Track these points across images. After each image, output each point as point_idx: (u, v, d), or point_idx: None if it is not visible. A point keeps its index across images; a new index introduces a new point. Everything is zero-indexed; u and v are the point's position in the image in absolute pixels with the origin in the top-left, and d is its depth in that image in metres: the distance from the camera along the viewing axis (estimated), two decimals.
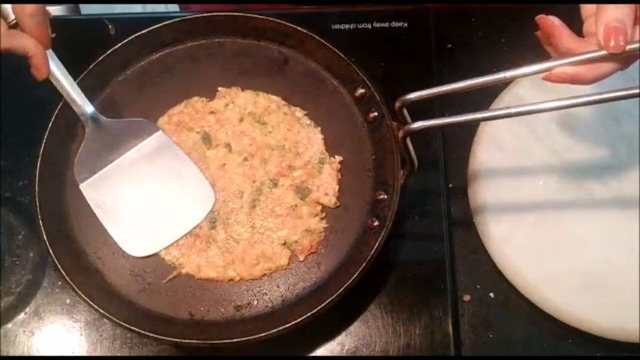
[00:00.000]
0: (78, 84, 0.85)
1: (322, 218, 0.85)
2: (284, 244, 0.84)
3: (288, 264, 0.83)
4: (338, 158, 0.88)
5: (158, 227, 0.85)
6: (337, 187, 0.86)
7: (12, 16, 0.72)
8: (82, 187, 0.86)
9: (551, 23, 0.66)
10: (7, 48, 0.72)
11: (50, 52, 0.78)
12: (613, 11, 0.62)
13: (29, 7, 0.71)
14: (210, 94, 0.91)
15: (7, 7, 0.72)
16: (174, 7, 1.34)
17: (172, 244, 0.84)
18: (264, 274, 0.83)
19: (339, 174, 0.87)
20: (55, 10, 1.05)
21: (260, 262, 0.83)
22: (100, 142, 0.86)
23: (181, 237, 0.85)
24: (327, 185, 0.86)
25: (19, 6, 0.71)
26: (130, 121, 0.88)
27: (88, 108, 0.84)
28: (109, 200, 0.86)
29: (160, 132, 0.89)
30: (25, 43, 0.73)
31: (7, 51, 0.72)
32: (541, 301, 0.84)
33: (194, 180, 0.87)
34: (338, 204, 0.86)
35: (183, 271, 0.83)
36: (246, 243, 0.84)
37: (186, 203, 0.86)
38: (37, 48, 0.75)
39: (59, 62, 0.81)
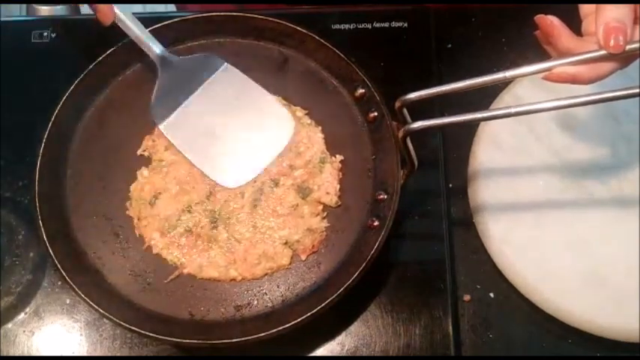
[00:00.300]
0: (78, 83, 0.85)
1: (323, 217, 0.85)
2: (285, 243, 0.84)
3: (290, 263, 0.83)
4: (339, 157, 0.88)
5: (245, 156, 0.87)
6: (338, 187, 0.86)
7: None
8: (162, 127, 0.87)
9: (550, 23, 0.66)
10: None
11: None
12: (612, 11, 0.62)
13: None
14: None
15: None
16: (174, 7, 1.34)
17: (174, 244, 0.84)
18: (266, 274, 0.83)
19: (340, 173, 0.87)
20: (55, 10, 1.05)
21: (262, 261, 0.83)
22: (172, 82, 0.87)
23: (270, 162, 0.86)
24: (328, 184, 0.86)
25: None
26: (197, 57, 0.90)
27: (157, 48, 0.86)
28: (191, 137, 0.87)
29: (226, 64, 0.90)
30: None
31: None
32: (541, 301, 0.84)
33: (270, 107, 0.89)
34: (339, 203, 0.86)
35: (185, 271, 0.83)
36: (247, 243, 0.84)
37: (267, 130, 0.88)
38: None
39: (124, 6, 0.83)
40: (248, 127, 0.88)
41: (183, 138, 0.87)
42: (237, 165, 0.86)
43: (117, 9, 0.82)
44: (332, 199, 0.85)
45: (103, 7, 0.78)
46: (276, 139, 0.87)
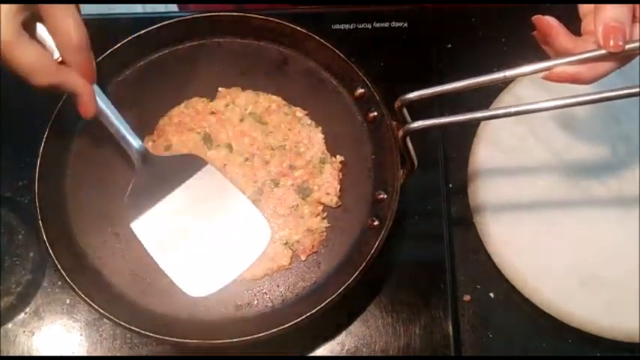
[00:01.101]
0: None
1: (323, 218, 0.85)
2: (285, 243, 0.84)
3: (289, 264, 0.83)
4: (339, 158, 0.87)
5: (215, 265, 0.83)
6: (339, 187, 0.86)
7: (57, 53, 0.71)
8: (134, 226, 0.84)
9: (548, 23, 0.67)
10: (57, 84, 0.70)
11: (95, 88, 0.76)
12: (611, 11, 0.62)
13: (74, 41, 0.69)
14: (210, 95, 0.91)
15: (51, 44, 0.70)
16: (174, 7, 1.34)
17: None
18: (266, 274, 0.83)
19: (340, 173, 0.87)
20: None
21: (262, 262, 0.83)
22: (149, 179, 0.85)
23: (238, 276, 0.83)
24: (328, 185, 0.86)
25: (64, 41, 0.69)
26: (178, 156, 0.87)
27: (137, 143, 0.83)
28: (162, 238, 0.84)
29: (208, 165, 0.87)
30: (74, 80, 0.72)
31: (55, 88, 0.70)
32: (541, 301, 0.84)
33: (247, 214, 0.85)
34: (339, 203, 0.86)
35: None
36: None
37: (241, 239, 0.84)
38: (85, 85, 0.73)
39: (105, 97, 0.80)
40: (222, 233, 0.85)
41: (154, 239, 0.84)
42: (206, 273, 0.83)
43: (100, 102, 0.78)
44: (332, 200, 0.85)
45: (87, 101, 0.74)
46: (249, 248, 0.84)
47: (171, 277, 0.82)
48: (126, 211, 0.84)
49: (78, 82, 0.72)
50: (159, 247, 0.83)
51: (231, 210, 0.86)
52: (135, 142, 0.83)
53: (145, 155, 0.84)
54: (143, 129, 0.90)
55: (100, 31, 0.83)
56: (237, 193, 0.86)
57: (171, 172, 0.86)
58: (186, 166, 0.87)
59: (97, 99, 0.77)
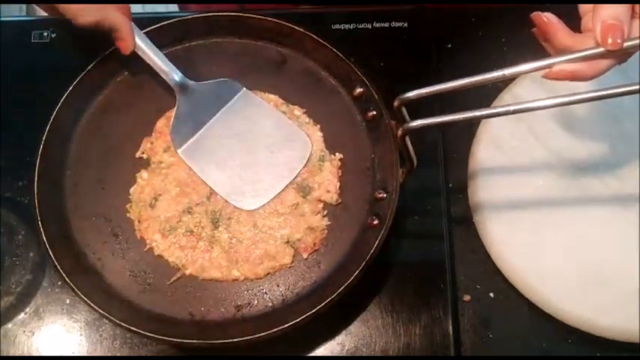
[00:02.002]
0: (77, 83, 0.85)
1: (324, 216, 0.85)
2: (287, 242, 0.84)
3: (292, 262, 0.83)
4: (338, 155, 0.88)
5: (263, 180, 0.87)
6: (338, 184, 0.86)
7: None
8: (181, 152, 0.88)
9: (547, 20, 0.66)
10: (100, 20, 0.78)
11: (133, 25, 0.83)
12: (609, 9, 0.62)
13: None
14: None
15: None
16: (174, 7, 1.34)
17: (176, 246, 0.84)
18: (268, 273, 0.83)
19: (340, 171, 0.87)
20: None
21: (264, 261, 0.83)
22: (190, 107, 0.88)
23: (287, 185, 0.86)
24: (328, 182, 0.86)
25: None
26: (215, 82, 0.90)
27: (176, 75, 0.87)
28: (210, 162, 0.87)
29: (244, 89, 0.91)
30: (114, 16, 0.79)
31: (99, 24, 0.78)
32: (541, 301, 0.84)
33: (287, 129, 0.89)
34: (339, 201, 0.86)
35: (187, 272, 0.83)
36: (249, 242, 0.84)
37: (284, 153, 0.88)
38: (124, 20, 0.81)
39: (142, 34, 0.85)
40: (265, 150, 0.88)
41: (202, 163, 0.88)
42: (255, 188, 0.86)
43: (137, 38, 0.84)
44: (332, 197, 0.85)
45: (125, 36, 0.82)
46: (292, 161, 0.87)
47: (224, 196, 0.86)
48: (172, 140, 0.88)
49: (117, 17, 0.80)
50: (208, 171, 0.87)
51: (271, 128, 0.89)
52: (174, 73, 0.87)
53: (184, 84, 0.88)
54: (142, 130, 0.90)
55: (100, 32, 0.83)
56: (275, 111, 0.90)
57: (210, 98, 0.90)
58: (224, 90, 0.91)
59: (136, 35, 0.84)
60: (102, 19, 0.79)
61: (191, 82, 0.88)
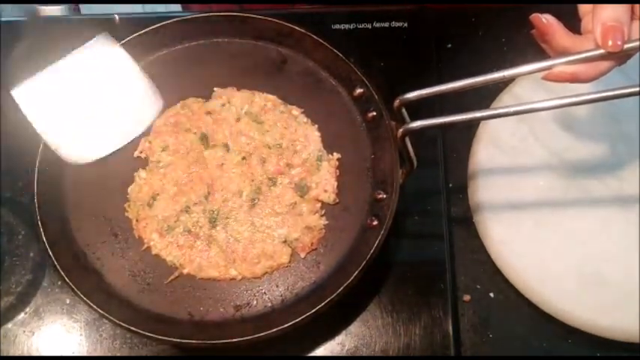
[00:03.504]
0: None
1: (322, 215, 0.85)
2: (284, 241, 0.84)
3: (289, 262, 0.83)
4: (336, 155, 0.88)
5: (101, 133, 0.81)
6: (336, 184, 0.86)
7: None
8: (14, 92, 0.81)
9: (546, 22, 0.66)
10: None
11: None
12: (609, 10, 0.62)
13: None
14: (209, 94, 0.91)
15: None
16: (174, 7, 1.34)
17: (173, 245, 0.84)
18: (266, 273, 0.83)
19: (338, 171, 0.87)
20: (55, 10, 1.05)
21: (261, 260, 0.83)
22: (36, 43, 0.82)
23: (127, 143, 0.82)
24: (325, 182, 0.86)
25: None
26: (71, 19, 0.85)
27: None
28: (45, 106, 0.81)
29: (103, 34, 0.85)
30: None
31: None
32: (541, 301, 0.84)
33: (140, 85, 0.84)
34: (337, 200, 0.86)
35: (185, 271, 0.83)
36: (247, 241, 0.84)
37: (131, 108, 0.83)
38: None
39: None
40: (111, 103, 0.82)
41: (36, 105, 0.80)
42: (89, 141, 0.81)
43: None
44: (330, 197, 0.85)
45: None
46: (138, 118, 0.83)
47: (53, 146, 0.81)
48: (8, 76, 0.81)
49: None
50: (40, 115, 0.81)
51: (121, 80, 0.84)
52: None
53: (35, 16, 0.83)
54: None
55: (100, 31, 0.83)
56: (132, 64, 0.85)
57: (60, 39, 0.83)
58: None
59: None
60: None
61: (42, 17, 0.82)
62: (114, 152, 0.88)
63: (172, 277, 0.83)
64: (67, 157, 0.81)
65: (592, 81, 0.65)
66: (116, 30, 0.89)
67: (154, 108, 0.83)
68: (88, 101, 0.82)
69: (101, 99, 0.82)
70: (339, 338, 0.85)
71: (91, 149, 0.81)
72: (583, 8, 0.67)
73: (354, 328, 0.85)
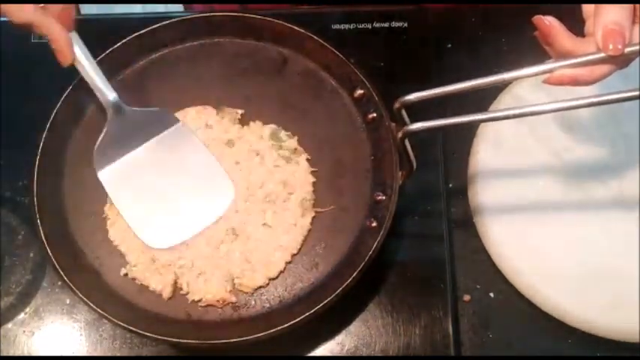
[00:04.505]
0: (78, 82, 0.85)
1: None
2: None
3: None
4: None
5: (179, 219, 0.84)
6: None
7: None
8: (101, 174, 0.85)
9: (548, 24, 0.66)
10: (33, 23, 0.73)
11: (75, 36, 0.80)
12: (611, 13, 0.62)
13: None
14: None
15: None
16: (174, 7, 1.34)
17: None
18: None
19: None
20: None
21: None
22: (121, 131, 0.85)
23: (202, 230, 0.83)
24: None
25: None
26: (151, 111, 0.88)
27: (111, 95, 0.84)
28: (128, 190, 0.85)
29: (180, 123, 0.88)
30: (50, 25, 0.75)
31: (31, 27, 0.74)
32: (541, 301, 0.84)
33: (214, 173, 0.86)
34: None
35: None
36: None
37: (206, 196, 0.85)
38: (62, 32, 0.76)
39: (84, 46, 0.81)
40: (187, 190, 0.85)
41: (119, 189, 0.85)
42: (168, 226, 0.84)
43: (77, 50, 0.81)
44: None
45: (63, 48, 0.78)
46: (213, 206, 0.85)
47: (133, 227, 0.83)
48: (95, 160, 0.85)
49: (54, 27, 0.76)
50: (123, 198, 0.84)
51: (198, 168, 0.87)
52: (109, 93, 0.84)
53: (118, 106, 0.85)
54: None
55: (100, 31, 0.83)
56: (206, 151, 0.87)
57: (143, 125, 0.87)
58: (159, 121, 0.88)
59: (75, 47, 0.80)
60: (36, 24, 0.74)
61: (126, 106, 0.85)
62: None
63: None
64: (147, 241, 0.83)
65: (592, 84, 0.65)
66: (116, 30, 0.90)
67: (226, 196, 0.85)
68: (169, 189, 0.86)
69: (181, 187, 0.86)
70: (339, 338, 0.85)
71: (168, 235, 0.83)
72: (586, 11, 0.67)
73: (354, 328, 0.85)
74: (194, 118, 0.90)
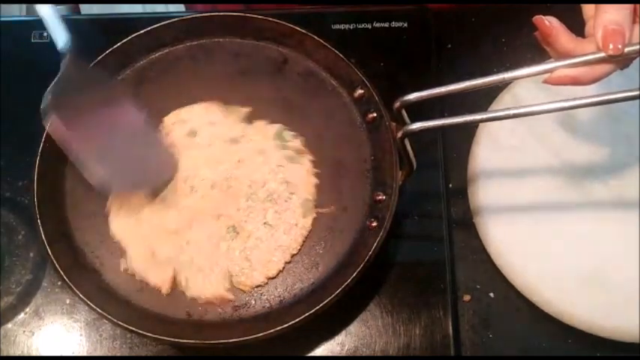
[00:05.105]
0: None
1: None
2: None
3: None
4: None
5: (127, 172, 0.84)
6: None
7: None
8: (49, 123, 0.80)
9: (549, 24, 0.66)
10: None
11: None
12: (611, 14, 0.62)
13: None
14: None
15: None
16: (174, 7, 1.34)
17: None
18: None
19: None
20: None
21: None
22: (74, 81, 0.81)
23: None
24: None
25: None
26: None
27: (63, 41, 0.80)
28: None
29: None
30: None
31: None
32: (541, 301, 0.84)
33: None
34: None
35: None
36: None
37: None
38: None
39: None
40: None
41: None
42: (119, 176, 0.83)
43: None
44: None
45: None
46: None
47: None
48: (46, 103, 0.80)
49: None
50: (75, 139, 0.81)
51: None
52: (62, 38, 0.81)
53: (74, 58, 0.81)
54: None
55: (100, 31, 0.83)
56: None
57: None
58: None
59: None
60: None
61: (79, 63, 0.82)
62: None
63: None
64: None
65: (592, 84, 0.65)
66: (116, 30, 0.90)
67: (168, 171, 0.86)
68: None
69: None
70: (338, 338, 0.85)
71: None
72: (587, 11, 0.67)
73: (354, 328, 0.85)
74: (199, 114, 0.90)
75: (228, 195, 0.85)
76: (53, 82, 0.80)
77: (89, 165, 0.80)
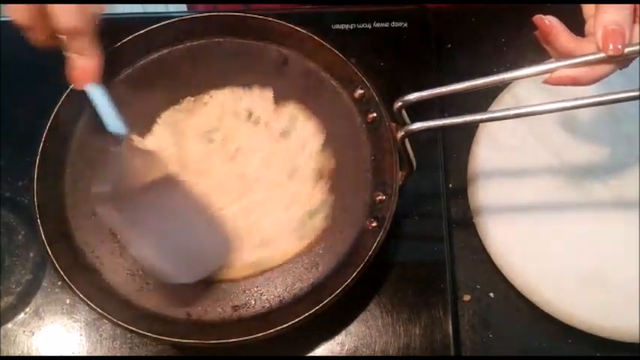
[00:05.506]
0: None
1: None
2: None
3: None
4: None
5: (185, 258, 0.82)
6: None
7: None
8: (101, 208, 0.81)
9: (549, 23, 0.66)
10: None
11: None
12: (611, 14, 0.62)
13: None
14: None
15: None
16: (174, 7, 1.34)
17: None
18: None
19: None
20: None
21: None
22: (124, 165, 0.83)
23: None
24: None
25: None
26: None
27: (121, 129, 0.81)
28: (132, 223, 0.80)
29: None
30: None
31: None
32: (541, 301, 0.84)
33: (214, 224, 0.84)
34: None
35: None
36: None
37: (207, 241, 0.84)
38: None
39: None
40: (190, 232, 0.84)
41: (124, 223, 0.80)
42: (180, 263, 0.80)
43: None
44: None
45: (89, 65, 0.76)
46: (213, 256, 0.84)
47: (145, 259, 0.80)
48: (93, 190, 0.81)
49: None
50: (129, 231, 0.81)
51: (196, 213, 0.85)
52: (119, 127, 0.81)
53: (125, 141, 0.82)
54: (142, 129, 0.89)
55: (100, 31, 0.83)
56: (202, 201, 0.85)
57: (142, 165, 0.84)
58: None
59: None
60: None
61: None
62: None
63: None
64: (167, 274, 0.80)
65: (592, 84, 0.65)
66: (116, 30, 0.89)
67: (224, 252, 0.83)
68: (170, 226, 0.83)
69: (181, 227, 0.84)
70: (338, 338, 0.85)
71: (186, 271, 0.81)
72: (587, 11, 0.67)
73: (354, 328, 0.85)
74: (228, 97, 0.90)
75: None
76: (106, 168, 0.82)
77: (142, 253, 0.79)
